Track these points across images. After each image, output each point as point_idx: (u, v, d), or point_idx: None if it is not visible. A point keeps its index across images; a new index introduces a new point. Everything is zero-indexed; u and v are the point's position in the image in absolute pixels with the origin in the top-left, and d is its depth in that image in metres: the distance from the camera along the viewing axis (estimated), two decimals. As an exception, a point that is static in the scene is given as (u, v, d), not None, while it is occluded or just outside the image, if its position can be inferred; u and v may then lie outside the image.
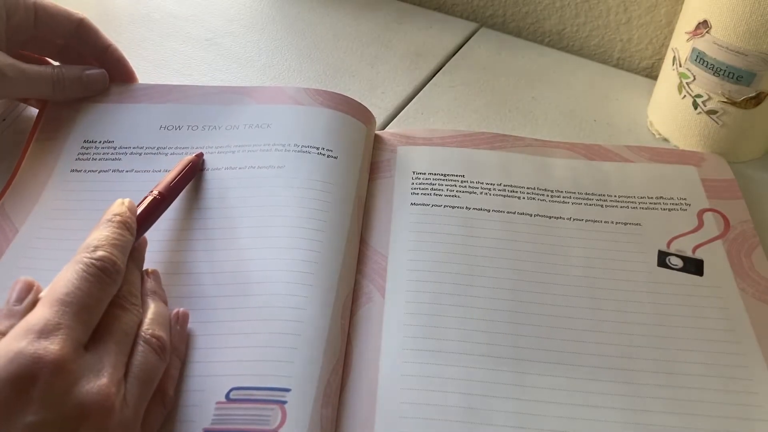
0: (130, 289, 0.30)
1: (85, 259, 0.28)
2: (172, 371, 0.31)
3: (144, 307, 0.31)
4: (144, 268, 0.34)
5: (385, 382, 0.33)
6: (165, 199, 0.36)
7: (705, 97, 0.45)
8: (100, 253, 0.29)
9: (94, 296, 0.27)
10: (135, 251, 0.32)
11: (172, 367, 0.31)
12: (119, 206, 0.32)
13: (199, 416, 0.30)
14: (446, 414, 0.32)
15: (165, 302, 0.33)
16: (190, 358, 0.32)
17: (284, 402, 0.30)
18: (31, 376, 0.24)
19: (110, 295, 0.29)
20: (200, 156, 0.40)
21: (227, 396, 0.30)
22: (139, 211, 0.34)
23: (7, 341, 0.25)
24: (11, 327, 0.26)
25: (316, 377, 0.32)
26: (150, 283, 0.33)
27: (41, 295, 0.28)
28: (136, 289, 0.31)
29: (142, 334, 0.29)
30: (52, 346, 0.25)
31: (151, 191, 0.35)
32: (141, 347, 0.29)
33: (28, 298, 0.28)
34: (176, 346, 0.32)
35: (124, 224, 0.31)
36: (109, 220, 0.31)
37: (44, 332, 0.25)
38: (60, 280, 0.27)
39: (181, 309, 0.33)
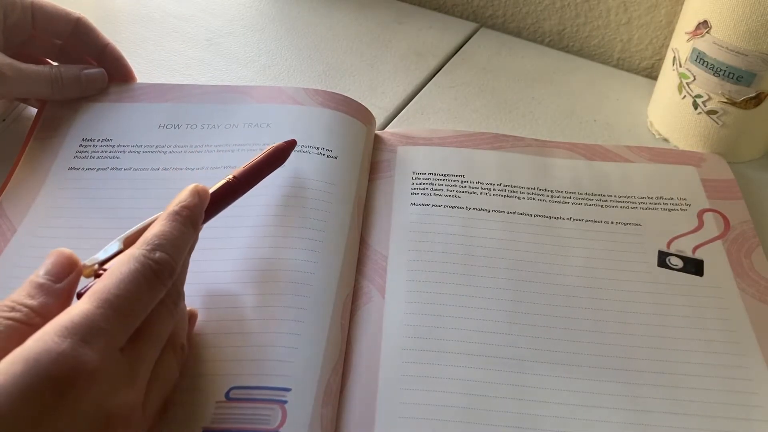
0: (177, 289, 0.29)
1: (143, 259, 0.26)
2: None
3: (182, 312, 0.30)
4: None
5: (385, 382, 0.33)
6: (240, 184, 0.33)
7: (705, 98, 0.45)
8: (159, 255, 0.27)
9: (144, 301, 0.26)
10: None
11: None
12: (191, 196, 0.29)
13: (198, 415, 0.30)
14: (446, 414, 0.32)
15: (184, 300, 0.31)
16: (190, 356, 0.32)
17: (284, 402, 0.30)
18: (69, 382, 0.23)
19: (158, 299, 0.27)
20: (292, 143, 0.38)
21: (227, 395, 0.30)
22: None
23: (50, 337, 0.23)
24: (44, 306, 0.25)
25: (316, 377, 0.32)
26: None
27: (89, 285, 0.26)
28: (182, 291, 0.29)
29: (174, 343, 0.29)
30: (94, 354, 0.24)
31: (228, 175, 0.33)
32: (168, 357, 0.28)
33: (68, 278, 0.26)
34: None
35: (191, 221, 0.29)
36: (177, 213, 0.28)
37: (88, 336, 0.24)
38: (113, 275, 0.26)
39: (192, 309, 0.32)
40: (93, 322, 0.24)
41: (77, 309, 0.24)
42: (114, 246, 0.29)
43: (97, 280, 0.26)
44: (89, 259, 0.29)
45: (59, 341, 0.23)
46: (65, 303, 0.27)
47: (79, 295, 0.27)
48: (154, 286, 0.26)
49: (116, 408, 0.24)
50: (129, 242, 0.29)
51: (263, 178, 0.36)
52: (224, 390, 0.31)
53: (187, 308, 0.32)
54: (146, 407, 0.27)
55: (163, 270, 0.27)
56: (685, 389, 0.33)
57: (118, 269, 0.26)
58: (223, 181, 0.33)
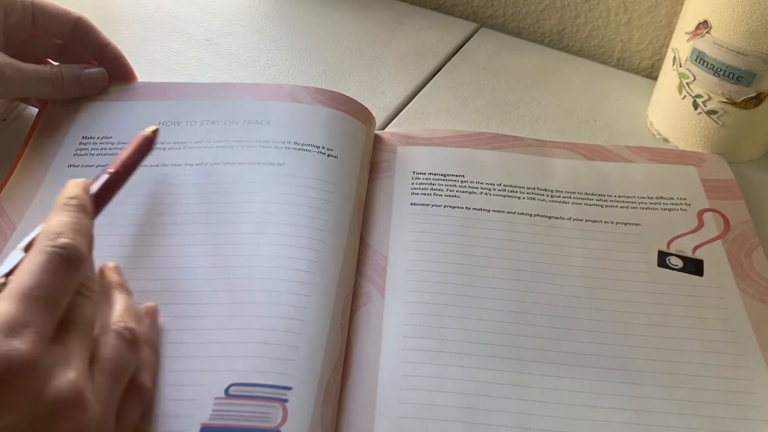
0: (87, 275, 0.29)
1: (48, 248, 0.27)
2: (148, 363, 0.30)
3: (112, 300, 0.30)
4: (114, 263, 0.33)
5: (385, 382, 0.33)
6: (120, 177, 0.35)
7: (705, 98, 0.45)
8: (62, 240, 0.27)
9: (60, 288, 0.26)
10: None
11: (148, 359, 0.30)
12: (74, 188, 0.31)
13: (196, 411, 0.30)
14: (446, 414, 0.32)
15: (131, 295, 0.32)
16: (189, 352, 0.32)
17: (285, 400, 0.30)
18: (4, 378, 0.23)
19: (75, 283, 0.27)
20: (156, 132, 0.39)
21: (226, 391, 0.30)
22: (93, 190, 0.33)
23: None
24: None
25: (317, 376, 0.32)
26: (115, 277, 0.32)
27: (2, 289, 0.27)
28: (94, 275, 0.30)
29: (113, 326, 0.29)
30: (22, 346, 0.24)
31: (106, 170, 0.35)
32: (112, 340, 0.28)
33: None
34: (149, 338, 0.31)
35: (82, 207, 0.30)
36: (66, 204, 0.30)
37: (13, 330, 0.24)
38: (24, 271, 0.26)
39: (150, 303, 0.33)
40: (14, 316, 0.24)
41: None
42: (16, 255, 0.29)
43: (10, 282, 0.26)
44: None
45: None
46: None
47: None
48: (66, 271, 0.27)
49: (60, 392, 0.24)
50: (29, 249, 0.29)
51: (136, 167, 0.37)
52: (224, 386, 0.30)
53: (149, 303, 0.32)
54: None
55: (70, 254, 0.27)
56: (685, 389, 0.33)
57: (27, 265, 0.26)
58: (105, 177, 0.34)
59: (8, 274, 0.28)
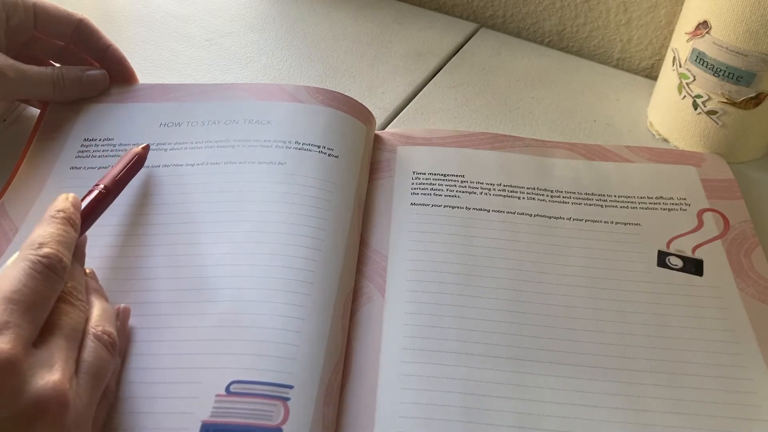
0: (75, 285, 0.30)
1: (30, 256, 0.28)
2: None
3: (89, 304, 0.31)
4: (90, 269, 0.34)
5: (385, 382, 0.33)
6: (110, 192, 0.36)
7: (705, 98, 0.45)
8: (45, 250, 0.28)
9: (41, 293, 0.27)
10: (77, 248, 0.32)
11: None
12: (63, 202, 0.32)
13: (197, 408, 0.30)
14: (446, 414, 0.32)
15: (107, 300, 0.33)
16: (189, 350, 0.32)
17: (287, 399, 0.30)
18: None
19: (57, 291, 0.28)
20: (147, 149, 0.40)
21: (227, 389, 0.30)
22: (83, 205, 0.34)
23: None
24: None
25: (317, 375, 0.32)
26: (92, 282, 0.33)
27: None
28: (81, 285, 0.31)
29: (92, 330, 0.29)
30: (5, 345, 0.24)
31: (96, 184, 0.35)
32: (92, 343, 0.29)
33: None
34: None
35: (68, 221, 0.31)
36: (53, 217, 0.31)
37: None
38: (6, 277, 0.27)
39: (122, 305, 0.33)
40: None
41: None
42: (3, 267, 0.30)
43: None
44: None
45: None
46: None
47: None
48: (48, 277, 0.28)
49: (42, 391, 0.25)
50: None
51: (127, 183, 0.38)
52: (224, 384, 0.31)
53: (122, 305, 0.33)
54: None
55: (52, 262, 0.28)
56: (685, 389, 0.33)
57: (9, 271, 0.27)
58: (95, 192, 0.35)
59: None
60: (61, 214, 0.31)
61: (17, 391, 0.24)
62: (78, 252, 0.32)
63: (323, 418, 0.31)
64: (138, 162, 0.39)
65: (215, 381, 0.31)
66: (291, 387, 0.31)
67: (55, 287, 0.28)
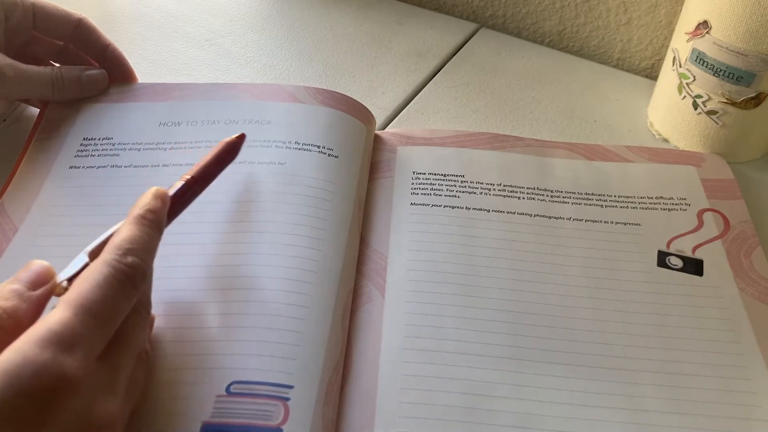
0: (147, 293, 0.29)
1: (115, 263, 0.26)
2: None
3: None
4: None
5: (385, 382, 0.33)
6: (197, 183, 0.34)
7: (705, 98, 0.45)
8: (131, 259, 0.26)
9: (118, 306, 0.26)
10: None
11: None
12: (154, 200, 0.29)
13: (197, 409, 0.30)
14: (446, 414, 0.32)
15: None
16: (190, 350, 0.32)
17: (287, 399, 0.30)
18: (51, 394, 0.23)
19: (132, 304, 0.27)
20: (242, 137, 0.38)
21: (227, 389, 0.30)
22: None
23: (29, 347, 0.23)
24: (16, 310, 0.25)
25: (318, 376, 0.32)
26: None
27: (63, 293, 0.26)
28: (150, 293, 0.30)
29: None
30: (74, 363, 0.23)
31: (183, 176, 0.34)
32: (136, 364, 0.28)
33: (44, 287, 0.26)
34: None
35: (157, 224, 0.29)
36: (143, 217, 0.28)
37: (67, 344, 0.23)
38: (86, 281, 0.25)
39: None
40: (72, 329, 0.24)
41: (54, 317, 0.24)
42: (81, 259, 0.29)
43: (70, 288, 0.26)
44: (58, 276, 0.28)
45: (39, 352, 0.23)
46: (36, 312, 0.26)
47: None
48: (128, 291, 0.26)
49: (98, 419, 0.24)
50: (94, 254, 0.29)
51: (218, 175, 0.36)
52: (225, 384, 0.31)
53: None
54: None
55: (135, 274, 0.26)
56: (685, 389, 0.33)
57: (91, 275, 0.26)
58: (181, 183, 0.33)
59: (71, 279, 0.28)
60: (150, 215, 0.29)
61: (79, 415, 0.23)
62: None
63: (323, 418, 0.31)
64: (231, 151, 0.37)
65: (216, 381, 0.31)
66: (291, 387, 0.31)
67: (132, 300, 0.27)
